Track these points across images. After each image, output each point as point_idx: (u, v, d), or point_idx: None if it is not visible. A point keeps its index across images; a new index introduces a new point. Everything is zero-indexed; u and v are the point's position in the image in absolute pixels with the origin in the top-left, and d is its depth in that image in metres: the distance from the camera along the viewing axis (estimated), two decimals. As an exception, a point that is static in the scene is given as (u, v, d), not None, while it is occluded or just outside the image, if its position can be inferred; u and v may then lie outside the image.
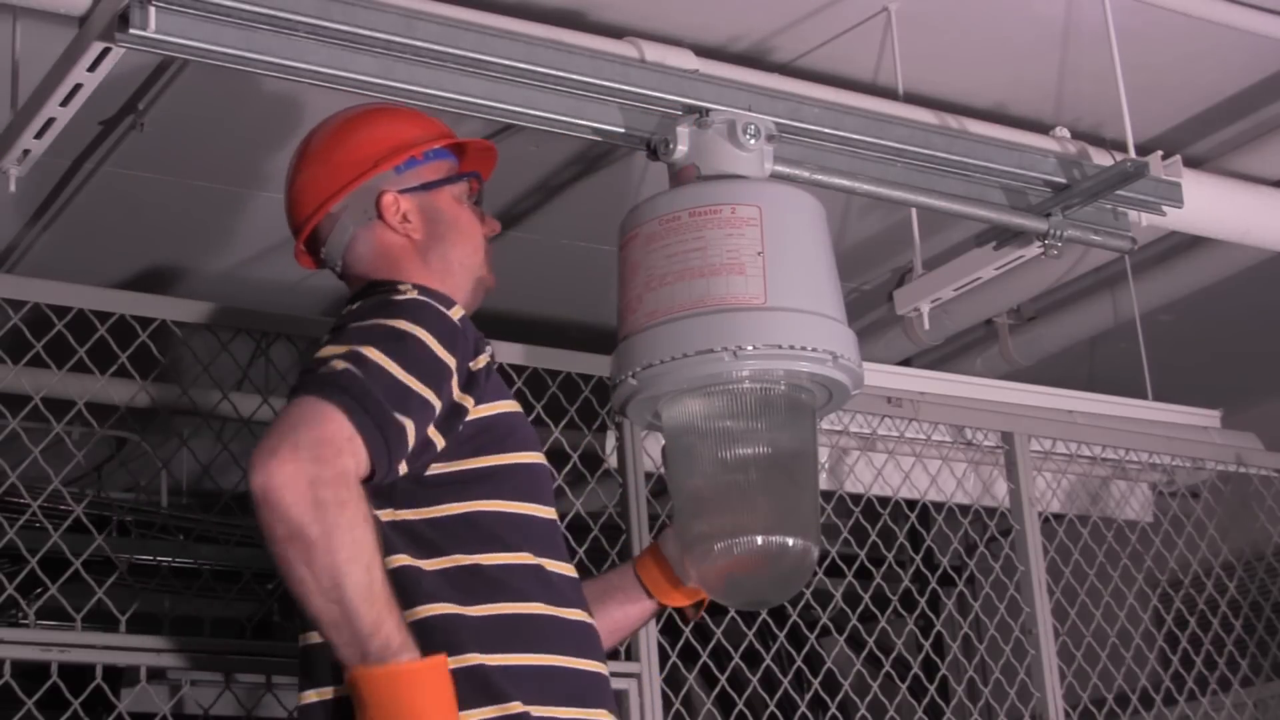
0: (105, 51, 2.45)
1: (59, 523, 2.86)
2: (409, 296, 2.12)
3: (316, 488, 1.84)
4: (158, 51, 2.35)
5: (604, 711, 2.10)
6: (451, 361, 2.06)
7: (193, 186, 3.84)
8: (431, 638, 1.94)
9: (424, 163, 2.33)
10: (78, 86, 2.56)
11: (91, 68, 2.50)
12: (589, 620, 2.16)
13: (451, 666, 1.93)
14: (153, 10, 2.25)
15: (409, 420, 1.97)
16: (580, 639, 2.12)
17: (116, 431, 2.94)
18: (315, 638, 2.00)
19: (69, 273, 3.82)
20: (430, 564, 2.04)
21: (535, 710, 2.00)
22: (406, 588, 1.98)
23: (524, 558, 2.09)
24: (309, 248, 2.35)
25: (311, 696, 2.04)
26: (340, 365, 1.96)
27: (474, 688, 1.97)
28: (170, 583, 2.76)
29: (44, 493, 2.86)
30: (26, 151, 2.74)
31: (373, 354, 1.99)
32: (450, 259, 2.30)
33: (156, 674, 2.99)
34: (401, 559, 2.02)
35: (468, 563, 2.05)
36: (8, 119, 2.78)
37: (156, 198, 3.89)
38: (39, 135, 2.69)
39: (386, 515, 2.03)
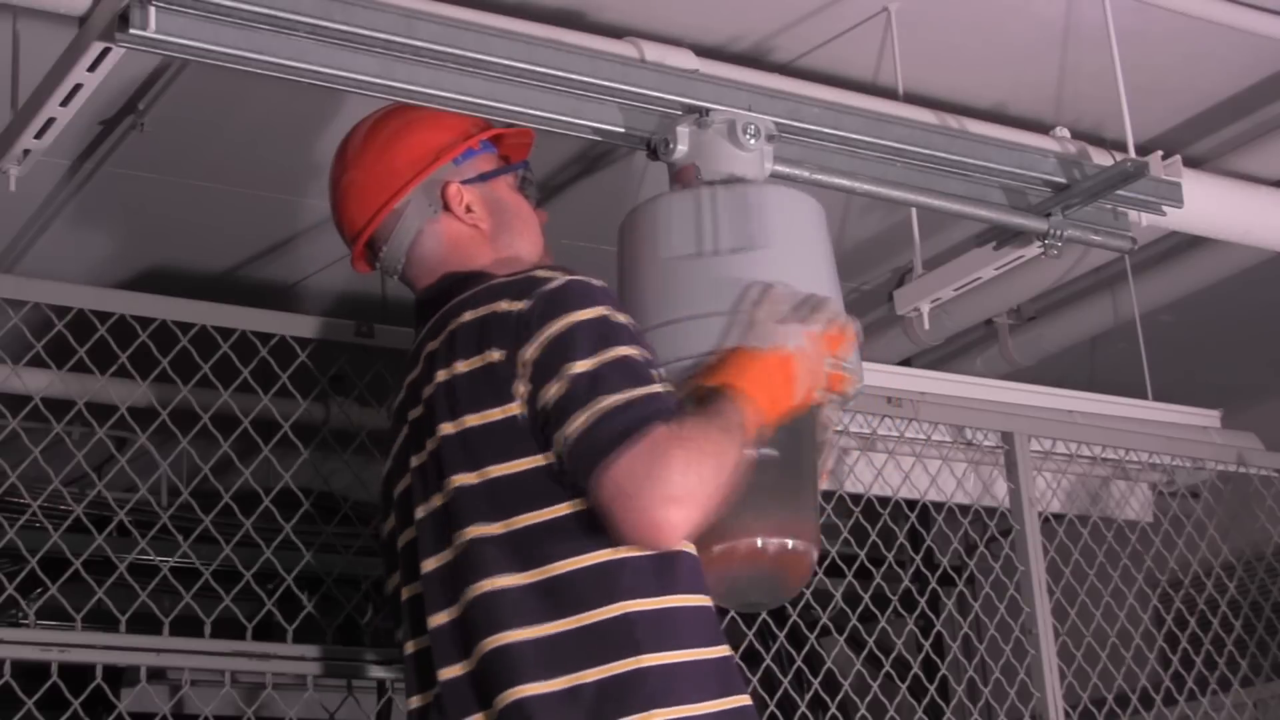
0: (105, 51, 2.45)
1: (59, 523, 2.86)
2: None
3: (676, 500, 1.95)
4: (158, 51, 2.35)
5: None
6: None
7: (193, 186, 3.84)
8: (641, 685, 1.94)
9: (479, 153, 2.34)
10: (78, 86, 2.55)
11: (91, 68, 2.50)
12: None
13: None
14: (153, 10, 2.25)
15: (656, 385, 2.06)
16: None
17: (117, 431, 2.93)
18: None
19: (69, 273, 3.82)
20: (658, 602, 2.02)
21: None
22: (626, 634, 1.97)
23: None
24: (365, 251, 2.34)
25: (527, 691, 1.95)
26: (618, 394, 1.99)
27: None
28: (170, 583, 2.76)
29: (44, 493, 2.86)
30: (27, 151, 2.74)
31: (621, 351, 2.04)
32: (518, 247, 2.31)
33: (156, 674, 2.99)
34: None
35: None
36: (8, 119, 2.78)
37: (156, 198, 3.88)
38: (39, 135, 2.69)
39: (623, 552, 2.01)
